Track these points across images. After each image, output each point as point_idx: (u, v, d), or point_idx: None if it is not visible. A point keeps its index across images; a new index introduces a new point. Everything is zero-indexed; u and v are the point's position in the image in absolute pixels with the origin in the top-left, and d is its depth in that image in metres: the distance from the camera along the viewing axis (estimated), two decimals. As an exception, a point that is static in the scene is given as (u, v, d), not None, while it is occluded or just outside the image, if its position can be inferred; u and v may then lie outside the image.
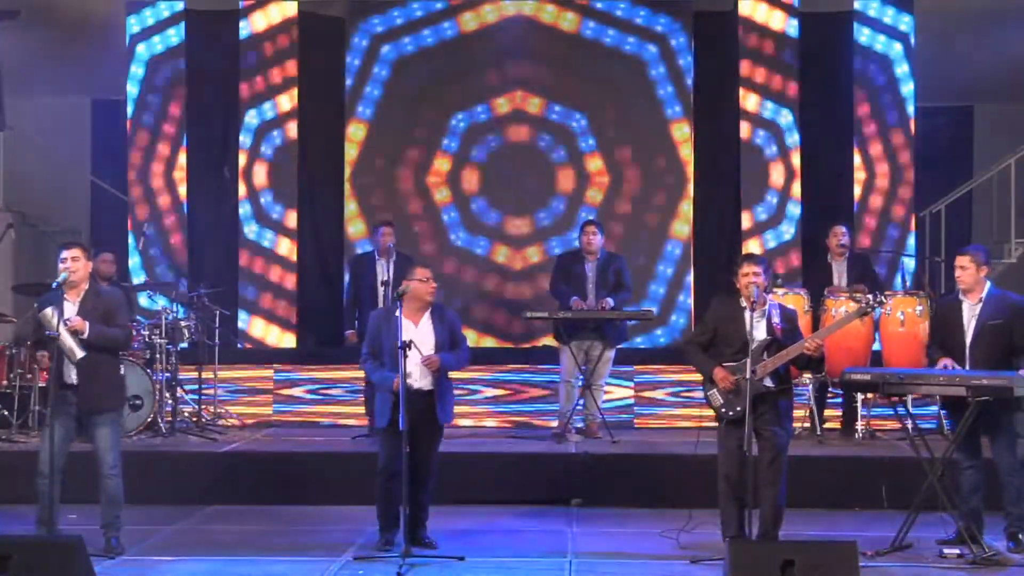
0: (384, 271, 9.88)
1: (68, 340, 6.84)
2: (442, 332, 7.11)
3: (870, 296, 7.15)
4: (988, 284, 7.12)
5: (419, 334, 7.00)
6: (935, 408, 9.68)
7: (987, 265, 7.16)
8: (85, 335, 6.89)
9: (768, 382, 6.80)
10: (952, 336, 7.13)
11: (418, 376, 6.97)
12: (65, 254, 7.03)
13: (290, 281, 11.87)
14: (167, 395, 9.90)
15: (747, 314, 6.84)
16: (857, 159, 11.68)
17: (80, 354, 6.87)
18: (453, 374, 7.32)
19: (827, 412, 9.96)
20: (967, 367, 7.01)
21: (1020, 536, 7.02)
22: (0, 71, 11.87)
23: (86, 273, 7.11)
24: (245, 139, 11.87)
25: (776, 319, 6.87)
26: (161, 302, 10.27)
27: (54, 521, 6.88)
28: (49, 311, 6.85)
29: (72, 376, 6.94)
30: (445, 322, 7.16)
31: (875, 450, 9.00)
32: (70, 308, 6.97)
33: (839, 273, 9.96)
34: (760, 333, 6.82)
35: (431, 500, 7.23)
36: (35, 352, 7.22)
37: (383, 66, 11.96)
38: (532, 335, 11.63)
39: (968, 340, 7.05)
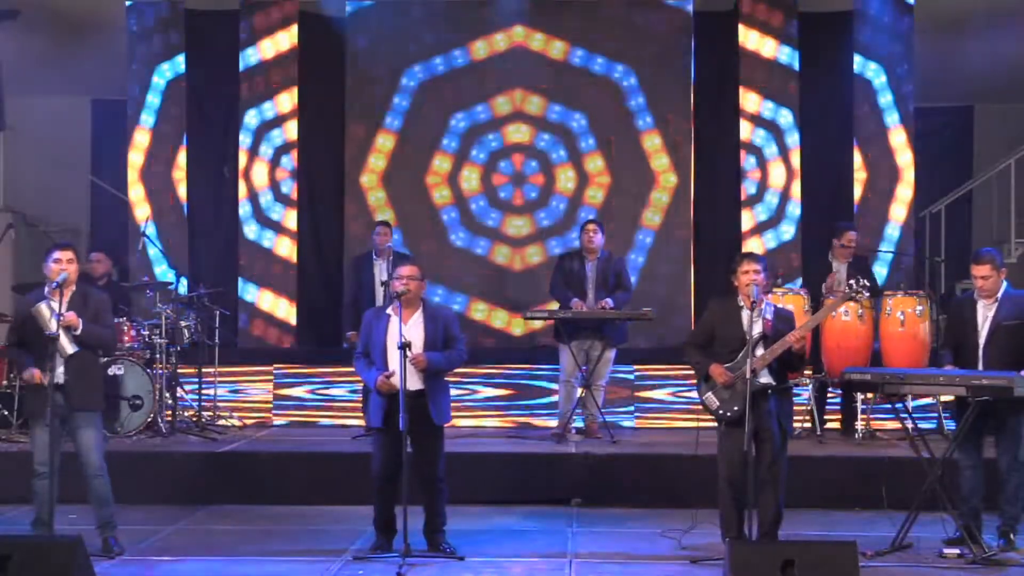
0: (382, 271, 9.90)
1: (60, 334, 6.84)
2: (433, 331, 7.01)
3: (852, 282, 7.11)
4: (1005, 284, 7.12)
5: (408, 333, 6.89)
6: (935, 408, 9.71)
7: (1004, 267, 7.16)
8: (78, 331, 6.90)
9: (765, 378, 6.77)
10: (966, 336, 7.13)
11: (407, 376, 6.85)
12: (59, 255, 7.01)
13: (290, 281, 11.87)
14: (167, 395, 9.90)
15: (745, 313, 6.83)
16: (857, 159, 11.68)
17: (71, 350, 6.90)
18: (454, 374, 7.28)
19: (827, 412, 9.96)
20: (980, 367, 7.00)
21: (1012, 535, 7.03)
22: (0, 71, 11.87)
23: (76, 275, 7.13)
24: (245, 139, 11.88)
25: (769, 316, 6.85)
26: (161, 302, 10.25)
27: (48, 522, 6.90)
28: (43, 306, 6.85)
29: (59, 375, 6.93)
30: (438, 321, 7.07)
31: (875, 450, 8.99)
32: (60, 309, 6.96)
33: (839, 274, 9.94)
34: (757, 333, 6.80)
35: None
36: (17, 355, 7.17)
37: (383, 66, 11.96)
38: (532, 335, 11.63)
39: (982, 340, 7.05)
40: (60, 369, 6.93)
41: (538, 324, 10.99)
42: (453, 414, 7.32)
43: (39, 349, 6.94)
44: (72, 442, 7.09)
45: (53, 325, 6.82)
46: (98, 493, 7.09)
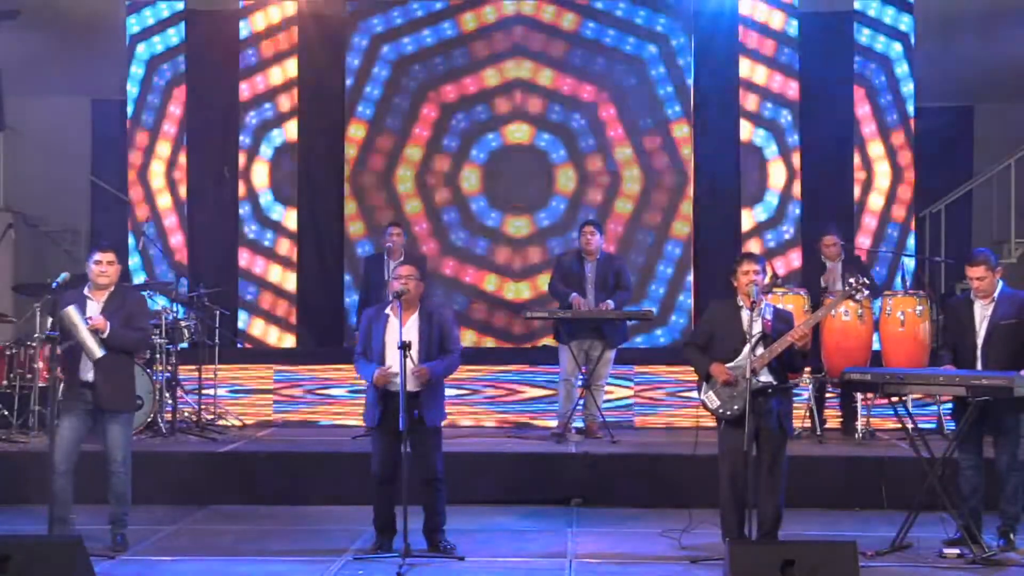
0: (389, 271, 9.90)
1: (88, 338, 6.88)
2: (429, 331, 7.01)
3: (852, 280, 7.11)
4: (1000, 284, 7.11)
5: (407, 333, 6.88)
6: (935, 408, 9.71)
7: (999, 266, 7.16)
8: (105, 335, 6.92)
9: (766, 377, 6.77)
10: (964, 336, 7.12)
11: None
12: (100, 256, 7.05)
13: (290, 281, 11.88)
14: (167, 395, 9.90)
15: (745, 313, 6.83)
16: (857, 159, 11.68)
17: (99, 353, 6.91)
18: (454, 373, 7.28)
19: (827, 412, 9.96)
20: (979, 367, 6.99)
21: (1012, 535, 7.03)
22: (0, 71, 11.87)
23: (116, 276, 7.15)
24: (245, 139, 11.88)
25: (768, 316, 6.86)
26: (161, 302, 10.25)
27: (66, 519, 6.96)
28: (72, 310, 6.87)
29: (89, 374, 6.97)
30: (434, 322, 7.06)
31: (875, 450, 8.99)
32: (94, 307, 7.03)
33: (835, 275, 9.96)
34: (757, 333, 6.80)
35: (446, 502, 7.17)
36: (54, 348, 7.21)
37: (383, 66, 11.97)
38: (532, 335, 11.63)
39: (980, 340, 7.04)
40: (89, 369, 6.97)
41: (538, 324, 11.00)
42: (454, 414, 7.30)
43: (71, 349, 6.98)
44: (100, 439, 7.12)
45: (82, 328, 6.84)
46: (116, 489, 7.15)
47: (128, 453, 7.17)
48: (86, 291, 7.07)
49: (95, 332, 6.90)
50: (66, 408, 6.95)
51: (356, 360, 7.18)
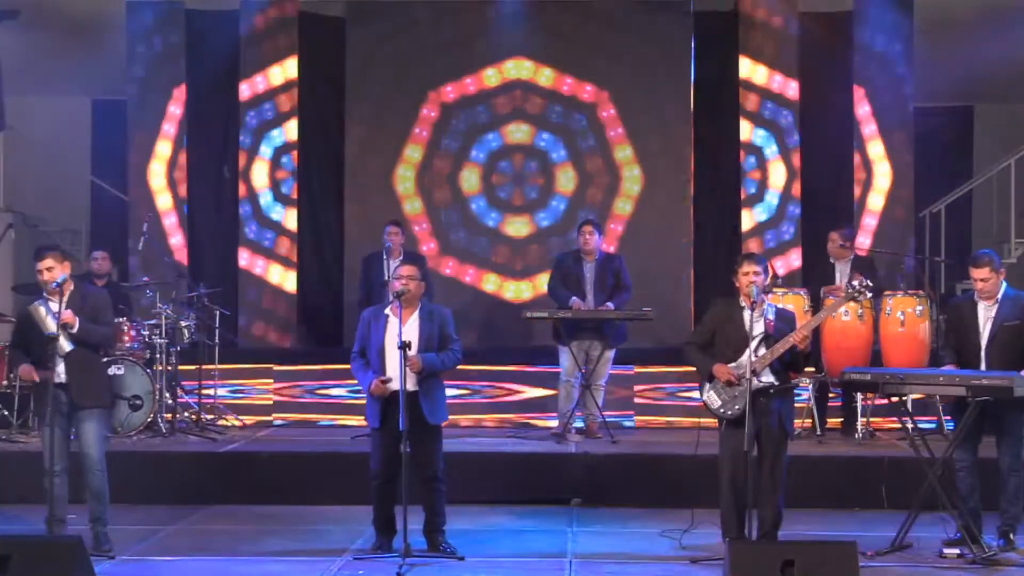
0: (388, 270, 9.88)
1: (59, 334, 6.88)
2: (429, 330, 7.01)
3: (855, 283, 7.12)
4: (1004, 285, 7.11)
5: (406, 333, 6.87)
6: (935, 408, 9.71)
7: (1003, 268, 7.16)
8: (74, 329, 6.94)
9: (768, 378, 6.77)
10: (967, 337, 7.11)
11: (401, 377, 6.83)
12: (40, 266, 7.04)
13: (290, 281, 11.87)
14: (167, 395, 9.90)
15: (746, 313, 6.83)
16: (857, 159, 11.68)
17: (68, 348, 6.93)
18: (453, 373, 7.26)
19: (827, 412, 9.95)
20: (983, 368, 6.99)
21: (1012, 535, 7.03)
22: (0, 71, 11.87)
23: (68, 274, 7.15)
24: (245, 139, 11.87)
25: (771, 316, 6.86)
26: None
27: (63, 519, 6.96)
28: (40, 306, 6.92)
29: (61, 375, 6.98)
30: (434, 321, 7.06)
31: (875, 450, 8.99)
32: (57, 308, 7.01)
33: (842, 274, 9.94)
34: (759, 333, 6.80)
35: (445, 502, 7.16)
36: (15, 355, 7.24)
37: (383, 66, 11.96)
38: (532, 335, 11.63)
39: (984, 341, 7.04)
40: (61, 368, 6.97)
41: (538, 325, 11.00)
42: (453, 414, 7.30)
43: (39, 349, 6.99)
44: (76, 438, 7.11)
45: (51, 325, 6.87)
46: (94, 488, 7.11)
47: (104, 452, 7.13)
48: (46, 294, 7.05)
49: (64, 327, 6.92)
50: (50, 411, 6.93)
51: (352, 360, 7.17)
